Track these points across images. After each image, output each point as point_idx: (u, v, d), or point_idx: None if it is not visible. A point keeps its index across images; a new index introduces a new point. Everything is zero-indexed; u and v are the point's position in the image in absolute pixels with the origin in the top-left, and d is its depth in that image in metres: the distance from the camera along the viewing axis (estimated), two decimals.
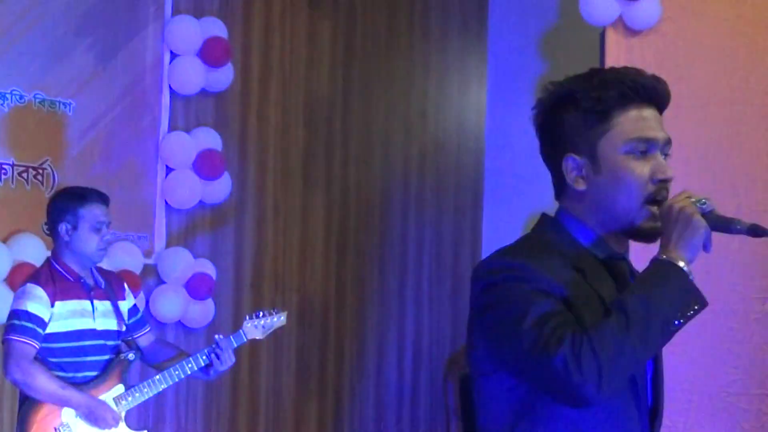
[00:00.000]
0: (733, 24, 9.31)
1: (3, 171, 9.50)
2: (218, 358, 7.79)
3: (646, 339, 3.42)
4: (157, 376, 7.84)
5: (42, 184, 9.46)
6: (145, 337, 8.08)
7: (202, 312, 10.22)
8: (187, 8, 10.46)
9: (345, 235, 11.72)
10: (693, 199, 3.51)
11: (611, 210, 3.66)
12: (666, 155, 3.71)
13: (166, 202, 10.38)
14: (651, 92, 3.74)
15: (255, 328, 8.04)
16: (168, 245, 10.37)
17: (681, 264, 3.45)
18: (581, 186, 3.70)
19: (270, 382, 11.15)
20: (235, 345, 7.92)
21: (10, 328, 7.44)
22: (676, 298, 3.46)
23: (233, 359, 7.88)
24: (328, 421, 11.63)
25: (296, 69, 11.45)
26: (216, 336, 7.95)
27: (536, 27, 12.19)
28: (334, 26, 11.74)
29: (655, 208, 3.59)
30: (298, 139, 11.44)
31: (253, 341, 8.21)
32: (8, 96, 9.49)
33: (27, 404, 7.51)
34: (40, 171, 9.62)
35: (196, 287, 10.14)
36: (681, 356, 9.12)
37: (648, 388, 3.80)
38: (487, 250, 10.65)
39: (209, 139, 10.37)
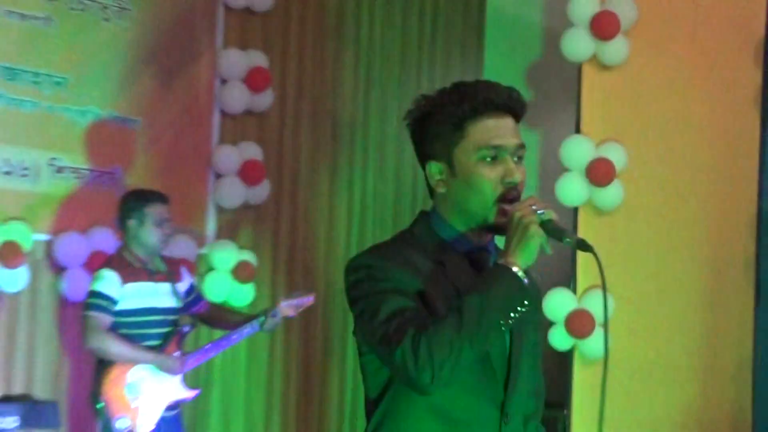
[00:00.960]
0: (693, 59, 9.41)
1: (83, 175, 9.80)
2: (261, 327, 8.25)
3: (477, 336, 3.50)
4: (209, 343, 8.46)
5: (114, 186, 9.73)
6: (200, 311, 8.52)
7: (244, 294, 10.55)
8: (235, 42, 10.83)
9: (363, 231, 12.04)
10: (534, 207, 3.55)
11: (468, 210, 3.73)
12: (519, 158, 3.74)
13: (217, 203, 10.83)
14: (502, 104, 3.77)
15: (288, 307, 8.28)
16: (217, 238, 10.77)
17: (515, 269, 3.54)
18: (442, 189, 3.79)
19: (301, 350, 11.54)
20: (270, 323, 8.31)
21: (88, 305, 7.83)
22: (507, 300, 3.55)
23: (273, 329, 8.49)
24: (348, 382, 11.93)
25: (324, 91, 11.77)
26: (258, 316, 8.30)
27: (524, 60, 12.08)
28: (356, 55, 12.00)
29: (506, 206, 3.66)
30: (326, 151, 11.80)
31: (286, 318, 8.48)
32: (87, 113, 9.79)
33: (101, 368, 7.89)
34: (112, 175, 9.89)
35: (240, 273, 10.49)
36: None
37: (504, 363, 3.77)
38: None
39: (252, 151, 10.77)
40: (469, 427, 3.72)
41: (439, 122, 3.75)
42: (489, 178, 3.65)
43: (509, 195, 3.63)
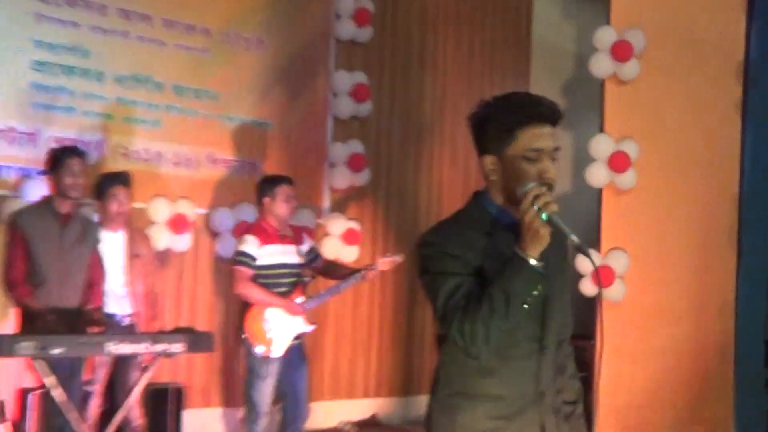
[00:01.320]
0: (689, 76, 9.38)
1: (231, 165, 10.14)
2: (363, 278, 8.26)
3: (505, 317, 3.43)
4: (323, 291, 8.39)
5: (254, 172, 9.94)
6: (318, 266, 8.46)
7: (350, 253, 10.65)
8: (343, 65, 11.04)
9: (439, 207, 11.79)
10: (535, 207, 3.43)
11: (512, 194, 3.58)
12: (554, 159, 3.62)
13: (330, 185, 10.96)
14: (544, 115, 3.64)
15: (383, 264, 8.28)
16: (330, 211, 10.94)
17: (530, 260, 3.44)
18: (493, 177, 3.66)
19: (392, 295, 11.57)
20: (370, 275, 8.28)
21: (235, 261, 8.02)
22: (525, 286, 3.45)
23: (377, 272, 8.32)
24: (427, 318, 11.23)
25: (410, 102, 11.82)
26: (361, 270, 8.31)
27: (561, 77, 11.95)
28: (433, 75, 11.96)
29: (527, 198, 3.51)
30: (411, 147, 11.88)
31: (382, 271, 8.43)
32: (235, 119, 10.16)
33: (245, 308, 8.00)
34: (253, 165, 10.25)
35: (347, 238, 10.68)
36: None
37: (541, 308, 3.64)
38: None
39: (356, 146, 10.95)
40: (515, 359, 3.65)
41: (494, 126, 3.65)
42: (530, 173, 3.56)
43: (540, 190, 3.49)
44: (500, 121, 3.64)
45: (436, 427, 3.80)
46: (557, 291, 3.74)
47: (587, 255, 3.51)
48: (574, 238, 3.50)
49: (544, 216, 3.42)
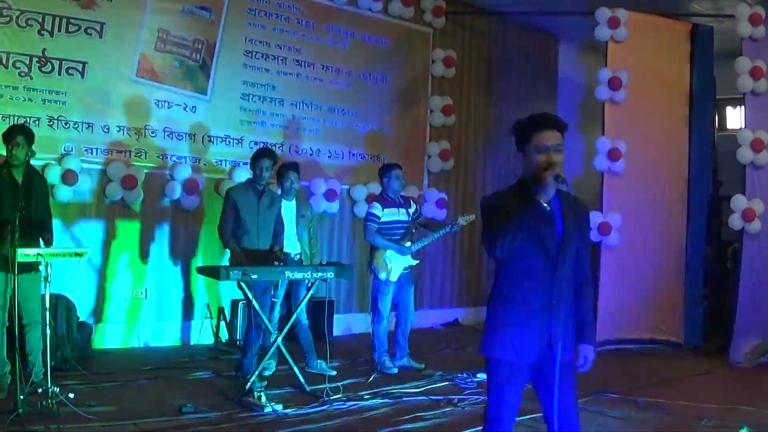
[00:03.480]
0: (658, 99, 9.35)
1: (364, 158, 10.14)
2: (450, 230, 7.96)
3: (520, 233, 3.58)
4: (423, 238, 7.98)
5: (378, 162, 9.66)
6: (420, 222, 8.13)
7: (441, 214, 10.50)
8: (436, 92, 10.84)
9: (497, 184, 10.89)
10: (549, 170, 3.61)
11: (534, 173, 3.65)
12: (558, 152, 3.68)
13: (428, 169, 10.78)
14: (549, 123, 3.73)
15: (462, 220, 7.97)
16: (428, 186, 10.78)
17: (541, 201, 3.64)
18: (523, 164, 3.76)
19: (468, 241, 11.29)
20: (454, 229, 8.01)
21: (366, 219, 7.90)
22: (537, 216, 3.64)
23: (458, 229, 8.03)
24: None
25: (479, 117, 11.53)
26: (450, 223, 8.04)
27: (576, 99, 11.77)
28: (494, 101, 11.62)
29: (537, 174, 3.66)
30: (482, 145, 11.55)
31: (462, 226, 8.05)
32: (367, 128, 10.15)
33: (372, 250, 7.86)
34: (378, 158, 10.14)
35: (438, 204, 10.58)
36: None
37: (557, 244, 3.73)
38: None
39: (445, 144, 10.80)
40: (535, 279, 3.72)
41: (521, 133, 3.77)
42: (540, 160, 3.68)
43: (546, 167, 3.64)
44: (523, 130, 3.79)
45: (488, 320, 3.90)
46: (569, 234, 3.77)
47: (564, 182, 3.69)
48: (563, 181, 3.67)
49: (552, 174, 3.61)
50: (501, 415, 3.82)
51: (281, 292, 7.63)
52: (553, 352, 3.76)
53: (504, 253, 3.69)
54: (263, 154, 7.31)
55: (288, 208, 7.70)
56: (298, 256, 7.77)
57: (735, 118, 12.06)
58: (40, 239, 6.23)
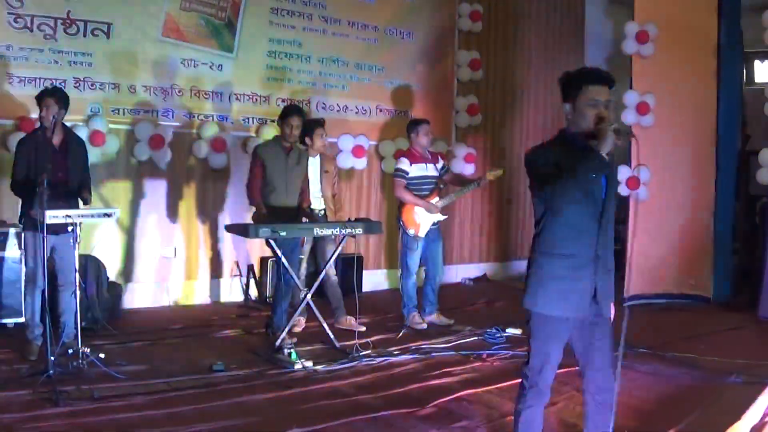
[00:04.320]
0: (684, 53, 9.25)
1: (391, 113, 10.04)
2: (478, 185, 7.91)
3: (576, 183, 3.54)
4: (451, 193, 7.98)
5: (405, 118, 9.55)
6: (447, 178, 8.03)
7: (469, 169, 10.28)
8: (464, 47, 10.72)
9: (524, 139, 11.44)
10: (608, 122, 3.55)
11: (581, 126, 3.64)
12: (607, 107, 3.64)
13: (455, 125, 10.68)
14: (601, 78, 3.71)
15: (490, 175, 7.90)
16: (456, 141, 10.67)
17: (602, 153, 3.52)
18: (570, 116, 3.71)
19: (496, 194, 11.30)
20: (481, 184, 7.93)
21: (395, 174, 7.82)
22: (596, 164, 3.53)
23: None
24: (525, 211, 11.38)
25: (506, 71, 11.38)
26: (478, 179, 7.96)
27: (604, 53, 11.68)
28: (521, 56, 11.53)
29: (599, 124, 3.58)
30: (509, 100, 11.43)
31: (490, 181, 8.07)
32: (394, 82, 10.02)
33: (400, 205, 7.82)
34: (404, 113, 10.05)
35: (466, 159, 10.37)
36: None
37: (601, 200, 3.69)
38: None
39: (472, 99, 10.66)
40: (581, 231, 3.69)
41: (571, 85, 3.73)
42: (591, 114, 3.63)
43: (599, 121, 3.58)
44: (574, 81, 3.73)
45: (532, 273, 3.81)
46: (612, 191, 3.74)
47: (633, 135, 3.69)
48: (628, 131, 3.64)
49: (612, 126, 3.51)
50: (545, 372, 3.78)
51: (307, 249, 7.58)
52: (599, 305, 3.74)
53: (561, 206, 3.67)
54: (293, 111, 7.23)
55: (312, 164, 7.63)
56: (323, 212, 7.70)
57: (763, 71, 11.75)
58: (80, 200, 6.21)
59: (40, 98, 6.10)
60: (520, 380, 3.90)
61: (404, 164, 7.84)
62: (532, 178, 3.78)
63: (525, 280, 3.89)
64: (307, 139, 7.60)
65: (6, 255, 6.96)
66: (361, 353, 6.60)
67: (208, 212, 8.85)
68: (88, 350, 5.72)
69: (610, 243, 3.80)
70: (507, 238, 11.61)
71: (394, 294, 8.62)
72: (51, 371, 5.34)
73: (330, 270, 7.65)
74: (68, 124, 6.51)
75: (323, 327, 6.89)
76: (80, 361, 5.63)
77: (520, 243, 11.63)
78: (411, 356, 6.66)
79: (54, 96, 6.10)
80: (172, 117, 8.45)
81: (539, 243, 3.81)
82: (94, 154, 7.73)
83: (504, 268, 11.46)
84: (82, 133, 7.54)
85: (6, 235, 6.97)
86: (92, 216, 6.03)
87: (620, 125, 3.60)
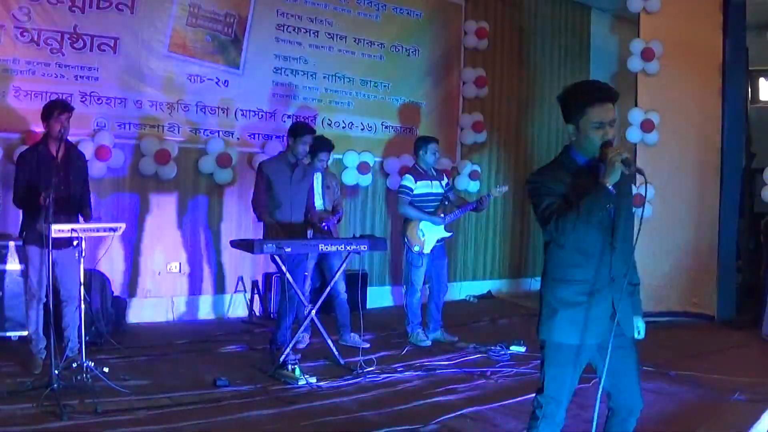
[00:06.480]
0: (689, 72, 9.25)
1: (397, 130, 10.01)
2: (482, 202, 7.78)
3: (586, 217, 3.43)
4: (457, 209, 7.86)
5: (412, 135, 9.57)
6: (452, 194, 7.99)
7: (474, 186, 10.48)
8: (469, 64, 10.65)
9: (530, 157, 11.42)
10: (616, 152, 3.42)
11: (587, 150, 3.55)
12: (611, 126, 3.54)
13: (461, 142, 10.66)
14: (605, 95, 3.58)
15: (495, 192, 7.92)
16: (461, 158, 10.65)
17: (608, 185, 3.41)
18: (574, 138, 3.61)
19: (501, 209, 11.29)
20: (487, 201, 7.85)
21: (399, 191, 7.81)
22: (602, 200, 3.42)
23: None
24: (533, 228, 11.33)
25: (512, 88, 11.37)
26: (481, 198, 7.89)
27: (609, 70, 11.51)
28: (527, 73, 11.49)
29: (604, 149, 3.49)
30: (512, 117, 11.41)
31: (495, 197, 8.20)
32: (400, 100, 10.01)
33: (405, 222, 7.82)
34: (411, 130, 10.06)
35: (472, 176, 10.47)
36: None
37: (611, 222, 3.58)
38: None
39: (478, 116, 10.61)
40: (593, 256, 3.59)
41: (573, 106, 3.62)
42: (596, 138, 3.53)
43: (605, 144, 3.50)
44: (576, 101, 3.61)
45: (545, 299, 3.73)
46: (623, 210, 3.64)
47: (642, 174, 3.52)
48: (635, 167, 3.50)
49: (621, 156, 3.41)
50: (560, 398, 3.69)
51: (311, 265, 7.55)
52: (621, 326, 3.62)
53: (568, 241, 3.57)
54: (307, 130, 7.24)
55: (317, 180, 7.65)
56: (326, 226, 7.66)
57: (767, 89, 11.82)
58: (79, 215, 6.20)
59: (60, 111, 6.05)
60: (531, 410, 3.80)
61: (409, 181, 7.82)
62: (535, 208, 3.68)
63: (539, 308, 3.79)
64: (314, 159, 7.63)
65: (8, 268, 6.94)
66: (365, 370, 6.57)
67: (214, 227, 8.82)
68: (92, 364, 5.70)
69: (630, 259, 3.71)
70: (511, 255, 11.56)
71: (398, 311, 8.57)
72: (55, 385, 5.33)
73: (340, 286, 7.64)
74: (74, 139, 6.51)
75: (327, 343, 6.86)
76: (84, 375, 5.60)
77: (524, 260, 11.60)
78: (415, 373, 6.63)
79: (71, 110, 6.11)
80: (178, 132, 8.45)
81: (549, 269, 3.75)
82: (99, 169, 7.77)
83: (509, 285, 11.41)
84: (88, 148, 7.58)
85: (8, 248, 6.94)
86: (97, 230, 5.97)
87: (627, 155, 3.49)
